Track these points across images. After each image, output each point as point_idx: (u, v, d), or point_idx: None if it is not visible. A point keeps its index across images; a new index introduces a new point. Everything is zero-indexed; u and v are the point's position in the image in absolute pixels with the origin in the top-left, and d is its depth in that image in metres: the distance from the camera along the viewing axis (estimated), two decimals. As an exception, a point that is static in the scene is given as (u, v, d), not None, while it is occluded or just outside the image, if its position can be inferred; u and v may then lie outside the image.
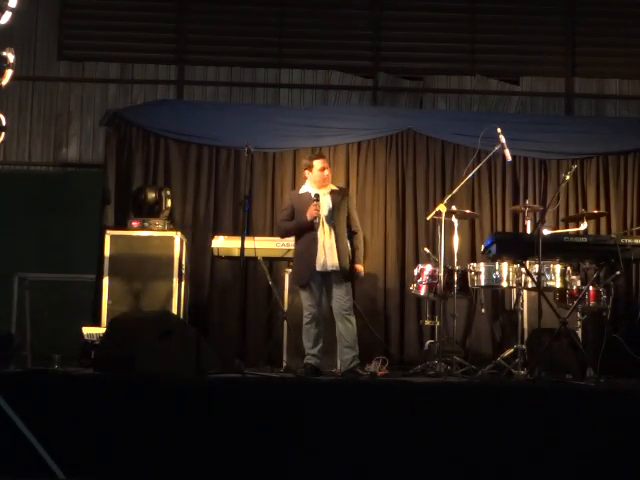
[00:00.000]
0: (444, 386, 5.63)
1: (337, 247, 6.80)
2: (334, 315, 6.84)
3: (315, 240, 6.79)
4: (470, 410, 4.96)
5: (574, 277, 7.19)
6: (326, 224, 6.84)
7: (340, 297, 6.80)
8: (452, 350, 7.27)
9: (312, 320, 6.80)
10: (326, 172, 6.99)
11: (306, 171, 7.05)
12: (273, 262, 8.08)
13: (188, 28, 9.31)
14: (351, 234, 6.96)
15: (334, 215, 6.87)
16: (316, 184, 6.97)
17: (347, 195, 7.13)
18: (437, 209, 7.15)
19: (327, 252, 6.78)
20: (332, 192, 6.98)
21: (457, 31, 9.40)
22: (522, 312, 7.34)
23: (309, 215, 6.78)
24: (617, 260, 6.19)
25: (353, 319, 6.84)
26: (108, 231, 7.86)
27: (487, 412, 4.95)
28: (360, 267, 6.98)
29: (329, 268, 6.77)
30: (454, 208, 7.29)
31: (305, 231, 6.86)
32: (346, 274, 6.82)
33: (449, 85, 9.34)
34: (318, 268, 6.76)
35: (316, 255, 6.77)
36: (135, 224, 7.85)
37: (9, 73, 4.76)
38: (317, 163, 6.98)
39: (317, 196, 6.84)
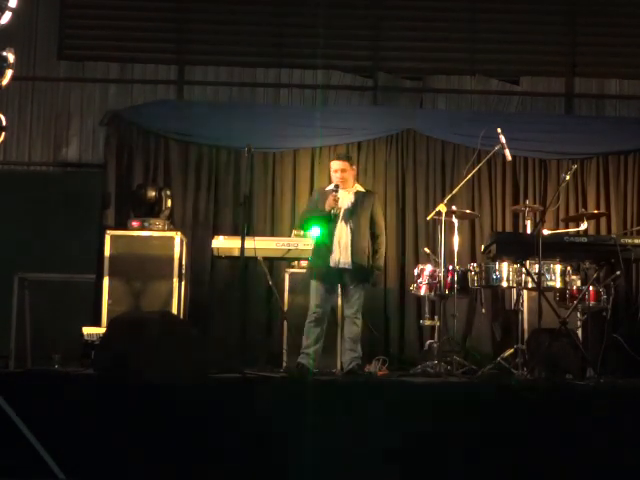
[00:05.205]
0: (444, 386, 5.62)
1: (352, 245, 6.79)
2: (343, 315, 6.85)
3: (331, 235, 6.81)
4: (470, 410, 4.96)
5: (574, 277, 7.20)
6: (344, 221, 6.84)
7: (351, 298, 6.80)
8: (452, 350, 7.27)
9: (316, 320, 6.79)
10: (338, 174, 6.99)
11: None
12: (273, 262, 8.07)
13: (188, 28, 9.30)
14: (373, 237, 6.96)
15: (354, 214, 6.87)
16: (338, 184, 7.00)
17: (373, 198, 7.10)
18: (437, 209, 7.16)
19: (342, 249, 6.79)
20: (357, 192, 6.99)
21: (457, 31, 9.39)
22: (522, 312, 7.35)
23: (327, 205, 6.80)
24: (617, 260, 6.19)
25: (360, 322, 6.85)
26: (108, 231, 7.87)
27: (487, 412, 4.95)
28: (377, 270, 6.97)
29: (341, 265, 6.77)
30: (454, 208, 7.30)
31: (324, 223, 6.85)
32: (361, 275, 6.80)
33: (449, 85, 9.33)
34: (331, 264, 6.77)
35: (331, 251, 6.78)
36: (135, 224, 7.85)
37: (9, 73, 4.74)
38: (332, 164, 7.12)
39: (337, 187, 6.89)
